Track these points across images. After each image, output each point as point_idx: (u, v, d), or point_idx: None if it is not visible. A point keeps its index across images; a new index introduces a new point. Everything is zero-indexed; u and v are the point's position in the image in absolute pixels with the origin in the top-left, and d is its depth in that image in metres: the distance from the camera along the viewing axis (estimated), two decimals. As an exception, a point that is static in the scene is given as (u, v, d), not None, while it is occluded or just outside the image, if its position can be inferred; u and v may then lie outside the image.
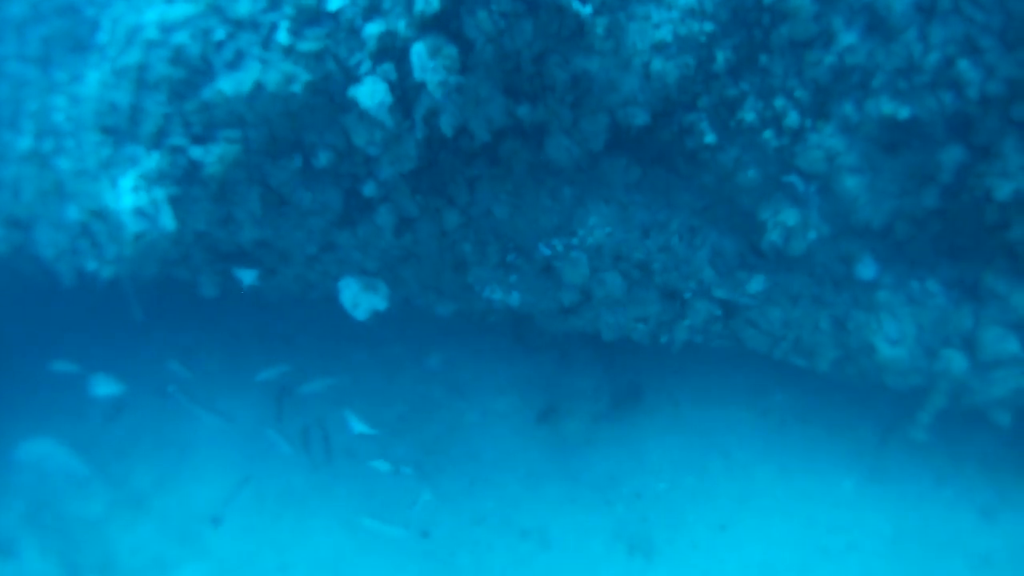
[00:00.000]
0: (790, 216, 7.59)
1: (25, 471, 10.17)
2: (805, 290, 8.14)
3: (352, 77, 6.14)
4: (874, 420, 9.54)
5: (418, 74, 5.96)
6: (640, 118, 7.21)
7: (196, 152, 6.32)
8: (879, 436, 9.50)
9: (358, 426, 8.75)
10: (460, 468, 9.61)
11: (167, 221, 6.33)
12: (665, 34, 6.86)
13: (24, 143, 8.15)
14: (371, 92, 5.94)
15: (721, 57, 7.25)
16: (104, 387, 9.22)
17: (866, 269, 7.93)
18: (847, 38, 6.87)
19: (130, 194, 6.34)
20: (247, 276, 7.38)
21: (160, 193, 6.32)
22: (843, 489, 9.26)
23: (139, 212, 6.31)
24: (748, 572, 8.89)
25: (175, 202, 6.38)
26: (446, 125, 6.16)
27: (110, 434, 10.45)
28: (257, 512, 9.63)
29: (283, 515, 9.59)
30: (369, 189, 6.77)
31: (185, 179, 6.42)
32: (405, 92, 6.18)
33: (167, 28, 6.40)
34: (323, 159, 6.48)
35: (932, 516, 8.97)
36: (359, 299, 7.37)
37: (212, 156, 6.27)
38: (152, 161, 6.30)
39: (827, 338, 8.20)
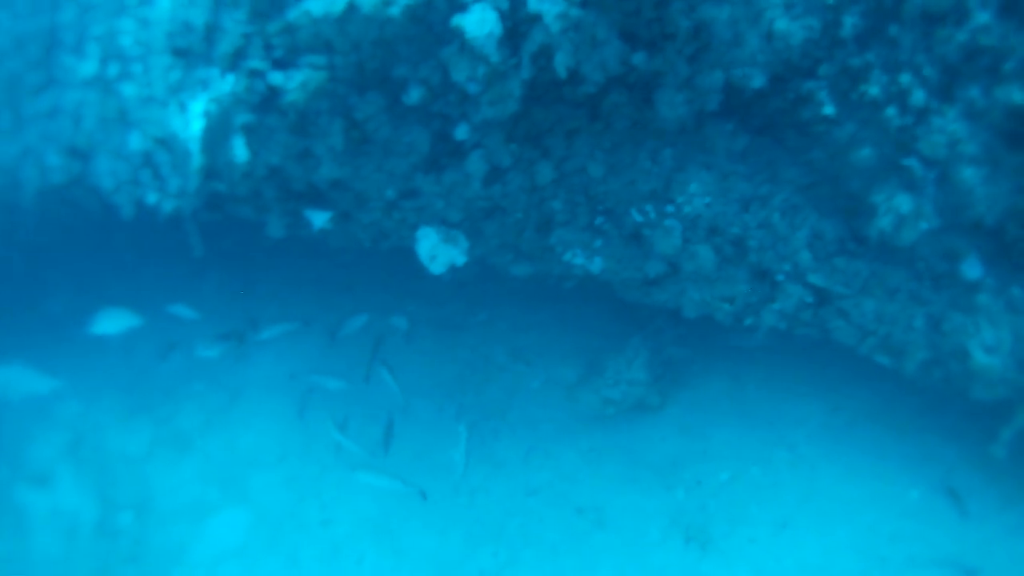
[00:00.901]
0: (904, 202, 6.68)
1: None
2: (903, 284, 7.19)
3: (457, 4, 5.20)
4: (946, 429, 8.67)
5: (534, 5, 5.01)
6: (757, 80, 6.28)
7: (276, 78, 5.41)
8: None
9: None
10: (517, 436, 8.78)
11: (239, 151, 5.45)
12: (793, -11, 5.91)
13: (88, 68, 7.33)
14: (480, 21, 5.01)
15: (849, 23, 6.30)
16: (108, 324, 8.28)
17: (972, 269, 7.07)
18: (981, 16, 6.01)
19: (200, 119, 5.46)
20: (318, 218, 6.47)
21: (234, 119, 5.44)
22: (909, 498, 8.35)
23: (209, 140, 5.43)
24: (805, 575, 8.01)
25: (249, 130, 5.50)
26: (560, 65, 5.23)
27: (159, 372, 9.65)
28: (304, 464, 8.84)
29: (331, 469, 8.78)
30: (461, 132, 5.86)
31: (262, 106, 5.53)
32: (516, 25, 5.24)
33: (252, -62, 5.50)
34: (414, 95, 5.57)
35: (994, 539, 8.02)
36: (437, 251, 6.48)
37: (294, 83, 5.36)
38: (227, 85, 5.41)
39: (920, 337, 7.29)
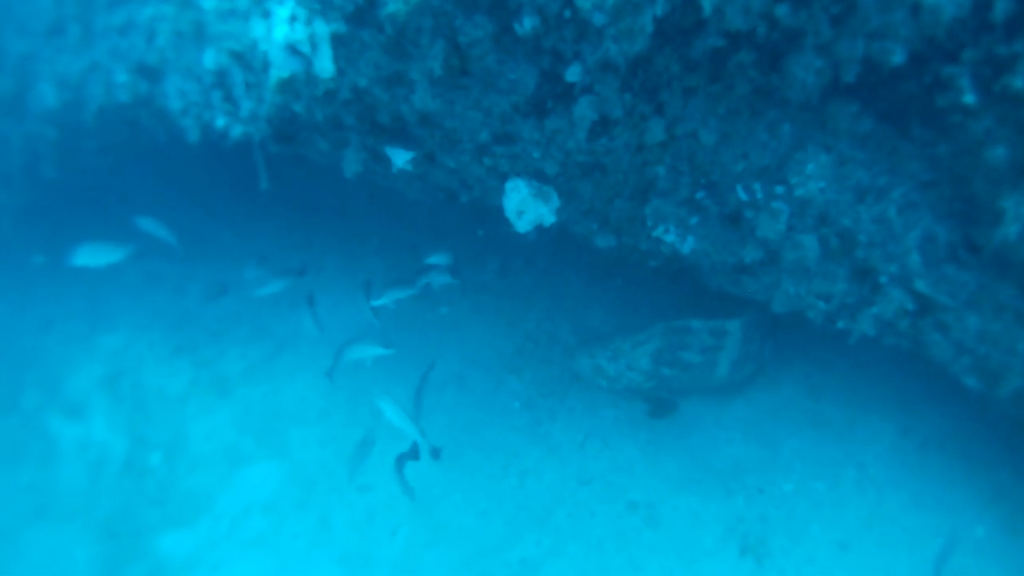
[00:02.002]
0: (1036, 210, 5.69)
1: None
2: (1011, 302, 6.22)
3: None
4: (1017, 464, 7.72)
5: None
6: (898, 56, 5.33)
7: None
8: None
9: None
10: (574, 420, 7.90)
11: (324, 64, 4.60)
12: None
13: (168, -22, 6.51)
14: (620, -64, 4.12)
15: (1000, 6, 5.33)
16: (89, 257, 7.25)
17: (1089, 291, 6.04)
18: None
19: (285, 25, 4.62)
20: (400, 157, 5.58)
21: (322, 28, 4.59)
22: (974, 535, 7.41)
23: (292, 49, 4.60)
24: (861, 602, 7.12)
25: (339, 42, 4.65)
26: (707, 1, 4.31)
27: (206, 314, 8.88)
28: (346, 424, 8.02)
29: (375, 431, 7.95)
30: (573, 73, 4.97)
31: (356, 17, 4.66)
32: (657, -51, 4.35)
33: None
34: (527, 24, 4.68)
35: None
36: (526, 206, 5.59)
37: (397, -8, 4.48)
38: (321, -13, 4.53)
39: (1021, 362, 6.28)
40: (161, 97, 7.13)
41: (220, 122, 6.22)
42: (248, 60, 5.37)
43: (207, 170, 8.50)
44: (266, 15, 5.01)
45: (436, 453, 6.76)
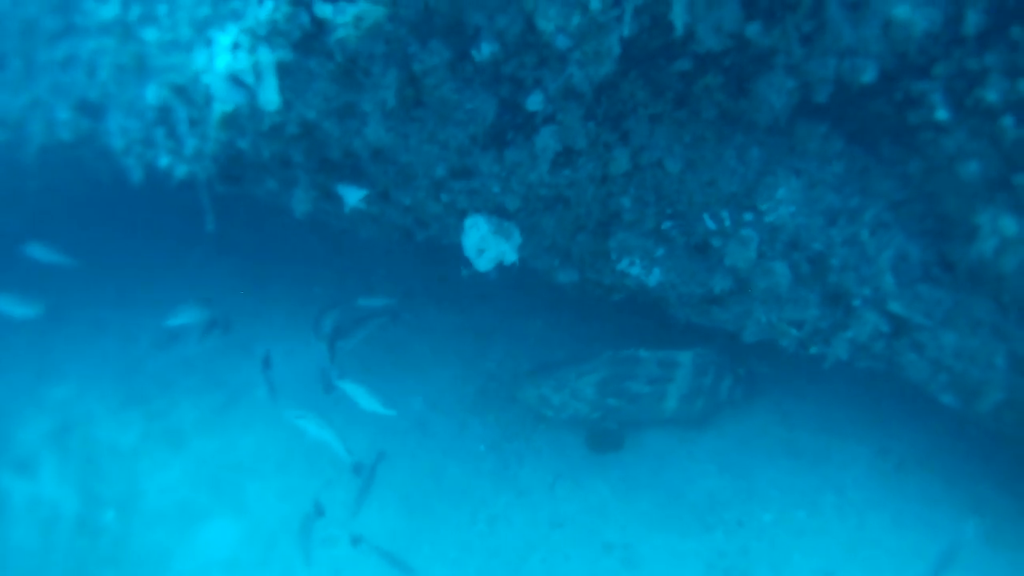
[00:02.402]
0: (1009, 224, 5.50)
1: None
2: (988, 317, 6.01)
3: (553, -63, 3.99)
4: (1000, 476, 7.49)
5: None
6: (868, 74, 5.11)
7: (324, 9, 4.12)
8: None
9: None
10: (543, 461, 7.48)
11: (270, 95, 4.20)
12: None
13: (108, 12, 6.09)
14: (582, -46, 3.80)
15: (972, 19, 5.14)
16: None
17: (1065, 302, 5.87)
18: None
19: (227, 53, 4.22)
20: (352, 195, 5.16)
21: (267, 56, 4.19)
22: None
23: (235, 80, 4.19)
24: (848, 630, 6.81)
25: (285, 71, 4.25)
26: (678, 18, 4.00)
27: (156, 363, 8.35)
28: (306, 475, 7.53)
29: (336, 483, 7.47)
30: (535, 102, 4.63)
31: (304, 44, 4.26)
32: (622, -32, 4.04)
33: None
34: (486, 51, 4.33)
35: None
36: (487, 243, 5.20)
37: (346, 17, 4.07)
38: (264, 11, 4.12)
39: (999, 376, 6.05)
40: (104, 135, 6.67)
41: (163, 161, 5.79)
42: (190, 94, 4.95)
43: (151, 211, 7.99)
44: (208, 43, 4.60)
45: (359, 469, 6.55)
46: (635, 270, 6.02)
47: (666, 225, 5.82)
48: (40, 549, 7.71)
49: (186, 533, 7.57)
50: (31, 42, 7.13)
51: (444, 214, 5.36)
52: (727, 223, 5.69)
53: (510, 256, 5.34)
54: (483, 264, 5.30)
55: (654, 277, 6.05)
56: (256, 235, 8.39)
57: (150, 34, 5.64)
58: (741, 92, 5.10)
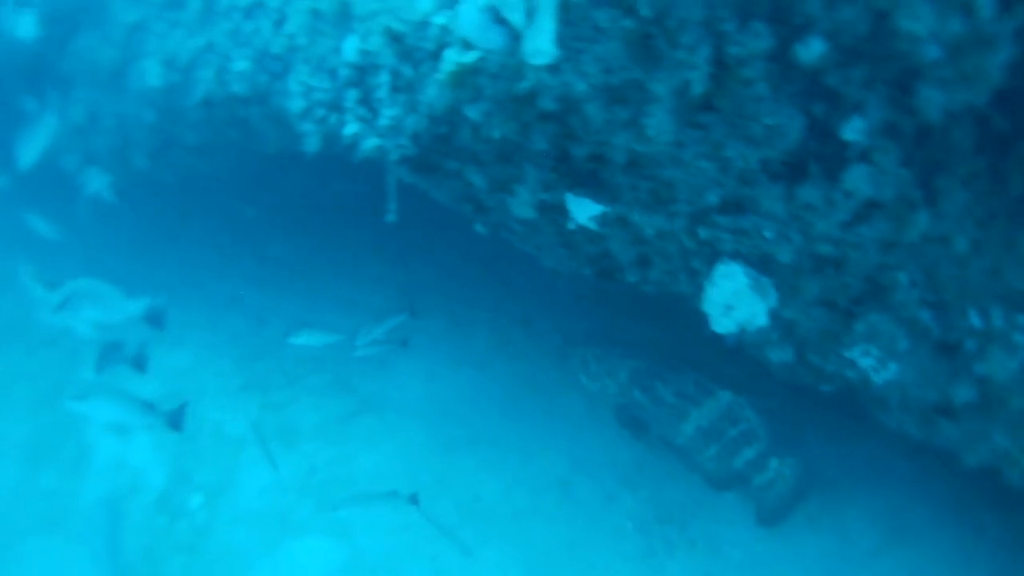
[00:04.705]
0: None
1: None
2: None
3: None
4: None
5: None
6: None
7: None
8: None
9: None
10: (695, 557, 5.94)
11: (542, 43, 2.82)
12: None
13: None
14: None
15: None
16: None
17: None
18: None
19: (480, -6, 2.91)
20: (583, 211, 3.78)
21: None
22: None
23: (494, 15, 2.86)
24: None
25: (567, 17, 2.89)
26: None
27: (284, 353, 7.21)
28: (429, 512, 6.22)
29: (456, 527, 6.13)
30: (854, 129, 3.20)
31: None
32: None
33: None
34: (815, 50, 2.96)
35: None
36: (739, 300, 3.79)
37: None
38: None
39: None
40: (280, 94, 5.58)
41: (350, 129, 4.59)
42: (409, 45, 3.70)
43: (319, 186, 6.85)
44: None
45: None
46: (868, 361, 4.53)
47: (924, 315, 4.30)
48: (111, 514, 6.81)
49: (276, 543, 6.43)
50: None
51: (690, 254, 3.94)
52: (996, 323, 4.15)
53: (760, 320, 3.91)
54: (726, 325, 3.89)
55: (887, 373, 4.53)
56: (425, 238, 7.15)
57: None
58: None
